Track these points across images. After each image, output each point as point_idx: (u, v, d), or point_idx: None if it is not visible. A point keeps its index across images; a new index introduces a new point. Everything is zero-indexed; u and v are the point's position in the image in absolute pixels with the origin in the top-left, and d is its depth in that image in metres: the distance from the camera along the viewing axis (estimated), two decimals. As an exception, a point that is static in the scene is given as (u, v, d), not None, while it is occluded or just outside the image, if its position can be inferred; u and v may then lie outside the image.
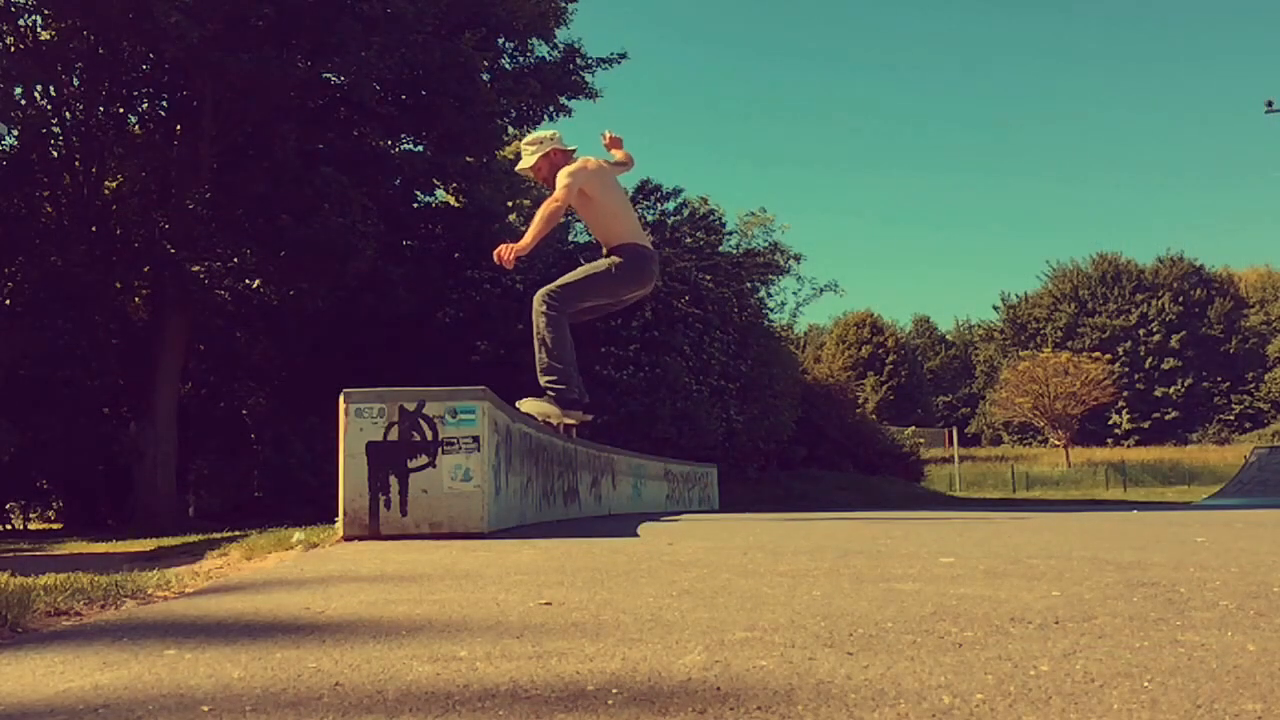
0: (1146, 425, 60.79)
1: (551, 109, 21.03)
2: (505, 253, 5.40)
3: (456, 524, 4.26)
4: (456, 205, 22.75)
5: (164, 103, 19.60)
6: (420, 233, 22.63)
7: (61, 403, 17.64)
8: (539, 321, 5.64)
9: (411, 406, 4.33)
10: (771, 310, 27.94)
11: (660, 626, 1.91)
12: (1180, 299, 63.45)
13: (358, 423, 4.29)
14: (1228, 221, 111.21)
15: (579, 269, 5.95)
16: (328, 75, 18.57)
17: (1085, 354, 52.33)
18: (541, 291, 5.71)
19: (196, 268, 18.30)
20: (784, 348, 27.68)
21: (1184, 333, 62.24)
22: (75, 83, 18.46)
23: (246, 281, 20.74)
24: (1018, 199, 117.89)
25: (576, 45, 21.15)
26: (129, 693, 1.48)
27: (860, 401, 43.16)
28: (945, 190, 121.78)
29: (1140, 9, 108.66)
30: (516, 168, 6.18)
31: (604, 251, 5.92)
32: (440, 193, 23.14)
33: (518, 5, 19.18)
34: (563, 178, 5.71)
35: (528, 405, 5.74)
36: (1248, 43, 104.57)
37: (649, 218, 26.32)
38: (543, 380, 5.72)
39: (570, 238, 24.99)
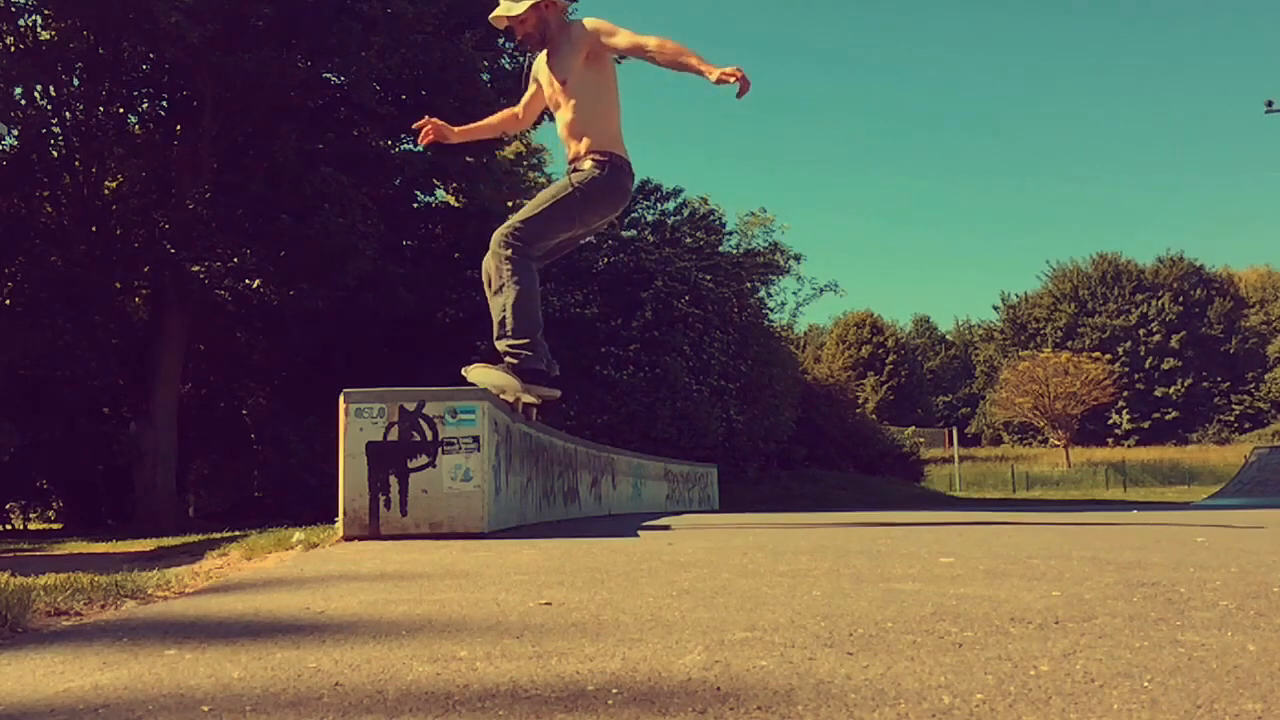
0: (1146, 425, 60.80)
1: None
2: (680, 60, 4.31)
3: (456, 524, 4.26)
4: (456, 205, 22.78)
5: (164, 103, 19.62)
6: (420, 233, 22.65)
7: (61, 403, 17.64)
8: (501, 269, 4.67)
9: (411, 406, 4.33)
10: (771, 310, 28.06)
11: (660, 626, 1.91)
12: (1180, 299, 63.46)
13: (358, 423, 4.29)
14: (1228, 221, 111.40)
15: (538, 197, 4.85)
16: (328, 75, 18.58)
17: (1085, 354, 52.36)
18: (500, 232, 4.71)
19: (196, 268, 18.31)
20: (784, 348, 27.71)
21: (1184, 333, 62.25)
22: (75, 83, 18.47)
23: (246, 281, 20.75)
24: (1018, 199, 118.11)
25: (576, 45, 21.15)
26: (129, 693, 1.48)
27: (860, 401, 43.20)
28: (945, 190, 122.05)
29: (1140, 8, 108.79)
30: (493, 15, 4.93)
31: (570, 156, 4.78)
32: (440, 193, 23.17)
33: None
34: (612, 28, 4.62)
35: (477, 374, 4.77)
36: (1248, 43, 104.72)
37: (649, 218, 26.37)
38: (501, 344, 4.76)
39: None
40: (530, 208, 4.77)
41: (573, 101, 4.71)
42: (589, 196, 4.68)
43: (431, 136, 5.09)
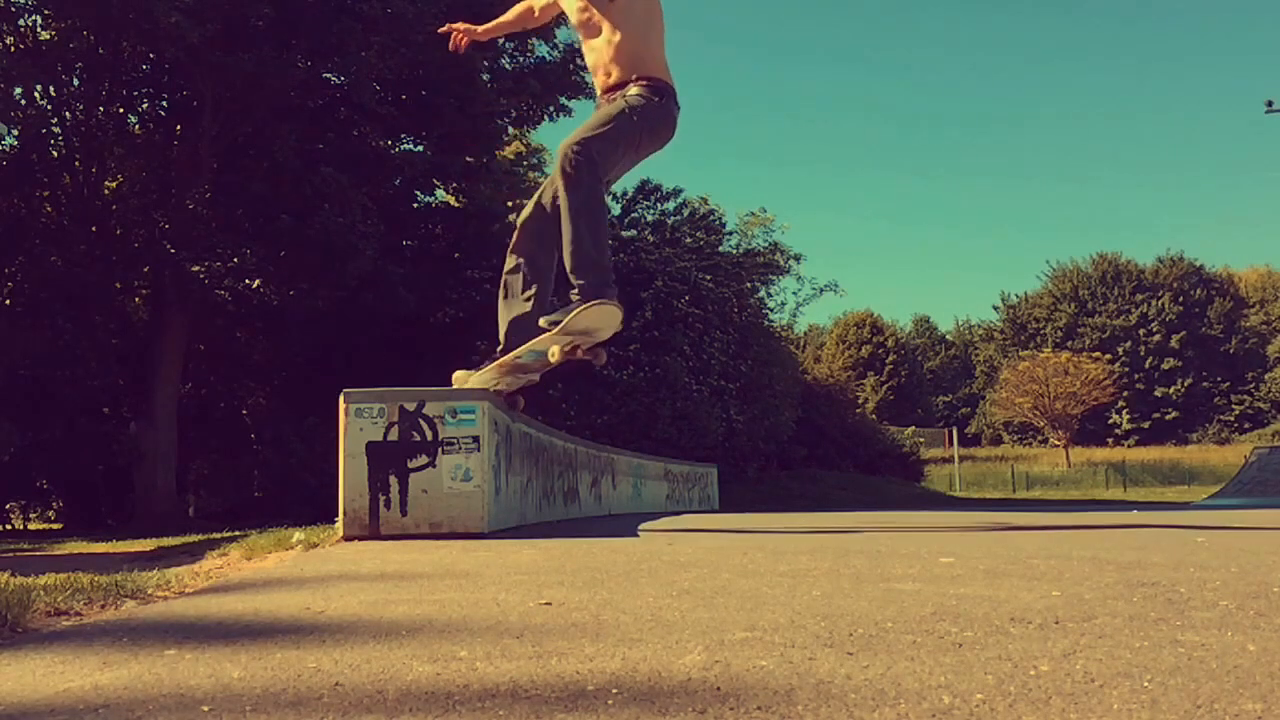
0: (1146, 425, 60.79)
1: (551, 109, 21.06)
2: None
3: (456, 524, 4.26)
4: (456, 205, 22.78)
5: (164, 103, 19.62)
6: (420, 233, 22.66)
7: (61, 403, 17.64)
8: (573, 194, 4.05)
9: (411, 406, 4.33)
10: (771, 310, 28.07)
11: (660, 626, 1.91)
12: (1180, 299, 63.46)
13: (358, 423, 4.29)
14: (1228, 221, 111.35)
15: (593, 119, 4.24)
16: (328, 75, 18.59)
17: (1085, 354, 52.36)
18: (564, 148, 4.11)
19: (196, 268, 18.31)
20: (784, 348, 27.71)
21: (1184, 333, 62.24)
22: (75, 83, 18.47)
23: (246, 281, 20.76)
24: (1018, 199, 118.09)
25: (577, 45, 21.11)
26: (129, 693, 1.48)
27: (860, 401, 43.21)
28: (946, 190, 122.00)
29: (1141, 8, 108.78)
30: None
31: (611, 84, 4.26)
32: (440, 193, 23.17)
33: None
34: None
35: (588, 316, 4.11)
36: (1248, 43, 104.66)
37: (649, 218, 26.37)
38: (578, 273, 4.09)
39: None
40: (594, 124, 4.20)
41: (621, 22, 4.23)
42: (647, 120, 4.19)
43: (465, 40, 4.83)
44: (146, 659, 1.71)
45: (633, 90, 4.18)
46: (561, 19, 4.79)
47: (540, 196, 4.42)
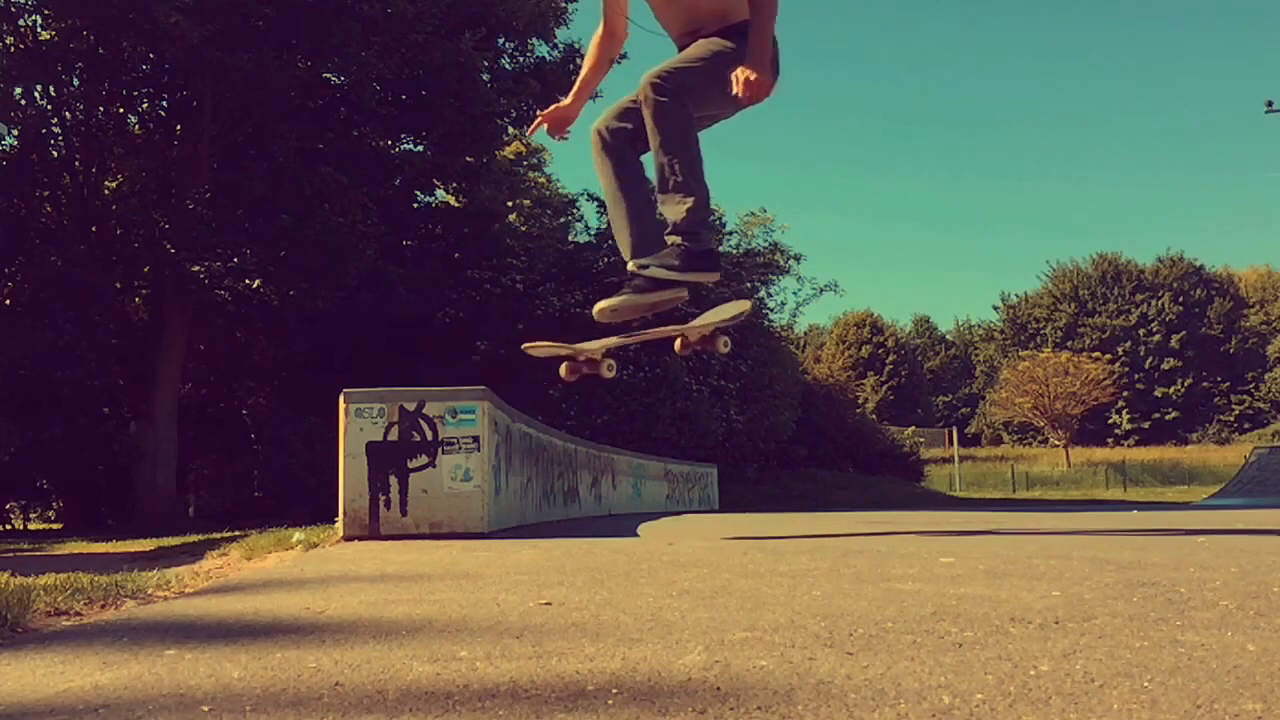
0: (1146, 425, 60.78)
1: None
2: None
3: (456, 524, 4.27)
4: (456, 205, 22.78)
5: (164, 103, 19.63)
6: (420, 233, 22.66)
7: (61, 403, 17.65)
8: (664, 125, 3.59)
9: (411, 407, 4.33)
10: (771, 310, 28.00)
11: (660, 626, 1.91)
12: (1180, 299, 63.45)
13: (358, 423, 4.30)
14: (1228, 221, 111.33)
15: (685, 53, 3.73)
16: (328, 75, 18.60)
17: (1085, 354, 52.34)
18: (652, 75, 3.62)
19: (196, 268, 18.32)
20: (784, 348, 27.71)
21: (1184, 333, 62.24)
22: (75, 83, 18.48)
23: (246, 281, 20.76)
24: (1018, 199, 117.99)
25: (576, 45, 21.19)
26: (129, 693, 1.48)
27: (860, 401, 43.21)
28: (945, 190, 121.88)
29: (1141, 9, 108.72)
30: None
31: (675, 37, 3.84)
32: (440, 193, 23.17)
33: (518, 5, 19.20)
34: None
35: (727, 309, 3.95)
36: (1248, 43, 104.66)
37: (649, 218, 26.32)
38: (689, 211, 3.62)
39: (570, 237, 24.96)
40: (678, 59, 3.71)
41: None
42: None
43: (566, 129, 4.33)
44: (146, 659, 1.71)
45: (729, 37, 3.71)
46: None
47: (620, 108, 3.91)
